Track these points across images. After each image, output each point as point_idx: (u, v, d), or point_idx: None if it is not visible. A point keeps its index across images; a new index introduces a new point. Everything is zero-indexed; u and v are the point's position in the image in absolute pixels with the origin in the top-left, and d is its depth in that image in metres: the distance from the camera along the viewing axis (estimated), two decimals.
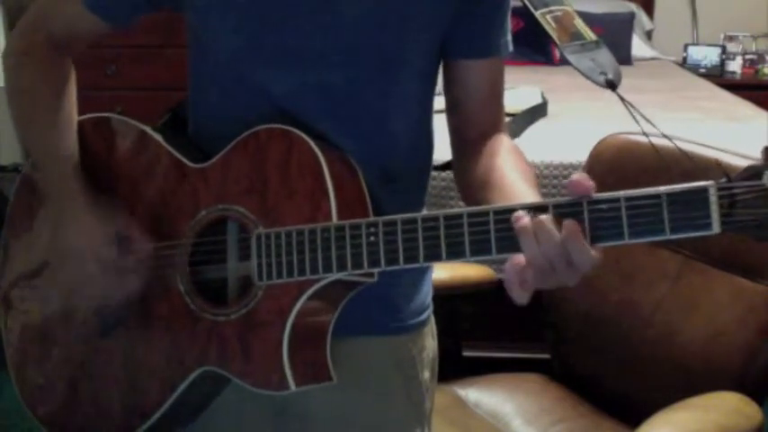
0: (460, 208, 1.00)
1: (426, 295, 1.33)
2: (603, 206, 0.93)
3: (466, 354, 2.17)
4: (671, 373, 1.79)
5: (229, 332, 1.12)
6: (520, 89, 3.19)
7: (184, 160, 1.19)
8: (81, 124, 1.25)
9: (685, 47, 5.00)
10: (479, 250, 0.98)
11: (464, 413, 1.92)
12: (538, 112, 3.11)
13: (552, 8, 1.24)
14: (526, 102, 3.08)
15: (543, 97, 3.21)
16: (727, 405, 1.58)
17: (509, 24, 1.26)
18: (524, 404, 1.94)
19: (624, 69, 1.21)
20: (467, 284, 2.03)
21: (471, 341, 2.31)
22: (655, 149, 1.17)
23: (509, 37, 1.26)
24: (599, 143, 1.99)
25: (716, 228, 0.89)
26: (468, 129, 1.26)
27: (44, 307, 1.27)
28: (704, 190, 0.89)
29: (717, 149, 1.64)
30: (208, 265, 1.17)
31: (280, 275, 1.09)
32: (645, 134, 1.13)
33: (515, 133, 2.75)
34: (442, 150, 1.35)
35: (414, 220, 1.02)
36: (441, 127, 1.30)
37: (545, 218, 0.94)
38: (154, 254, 1.19)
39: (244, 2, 1.15)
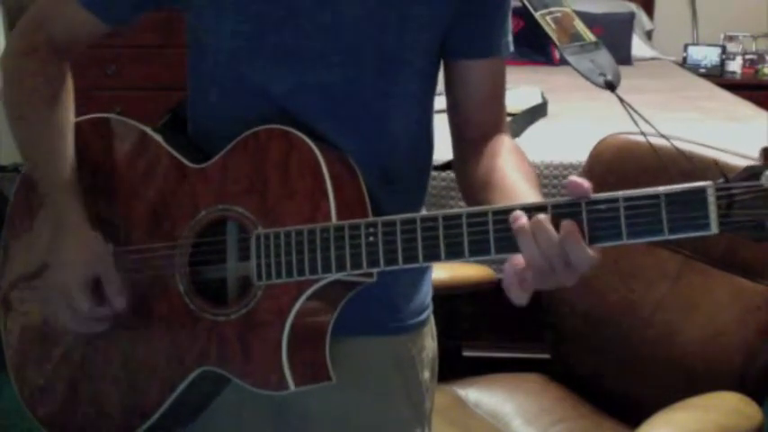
0: (460, 208, 1.00)
1: (426, 295, 1.33)
2: (602, 206, 0.93)
3: (466, 354, 2.17)
4: (671, 373, 1.79)
5: (229, 332, 1.12)
6: (520, 89, 3.19)
7: (184, 161, 1.19)
8: (80, 125, 1.25)
9: (685, 47, 5.00)
10: (478, 250, 0.98)
11: (464, 413, 1.92)
12: (538, 112, 3.12)
13: (552, 9, 1.24)
14: (526, 102, 3.08)
15: (543, 97, 3.21)
16: (727, 405, 1.58)
17: (510, 24, 1.26)
18: (524, 404, 1.94)
19: (624, 69, 1.21)
20: (467, 284, 2.03)
21: (471, 341, 2.31)
22: (654, 150, 1.17)
23: (510, 37, 1.26)
24: (599, 143, 1.99)
25: (714, 228, 0.89)
26: (470, 129, 1.26)
27: (43, 308, 1.27)
28: (702, 190, 0.89)
29: (716, 149, 1.64)
30: (207, 265, 1.17)
31: (279, 275, 1.09)
32: (643, 135, 1.13)
33: (515, 133, 2.75)
34: (443, 150, 1.35)
35: (413, 221, 1.02)
36: (441, 127, 1.30)
37: (543, 218, 0.94)
38: (153, 254, 1.19)
39: (244, 2, 1.15)
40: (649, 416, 1.47)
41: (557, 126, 3.05)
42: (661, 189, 0.91)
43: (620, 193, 0.92)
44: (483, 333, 2.62)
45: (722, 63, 4.92)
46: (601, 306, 1.92)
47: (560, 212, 0.95)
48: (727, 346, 1.72)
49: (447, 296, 1.81)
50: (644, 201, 0.91)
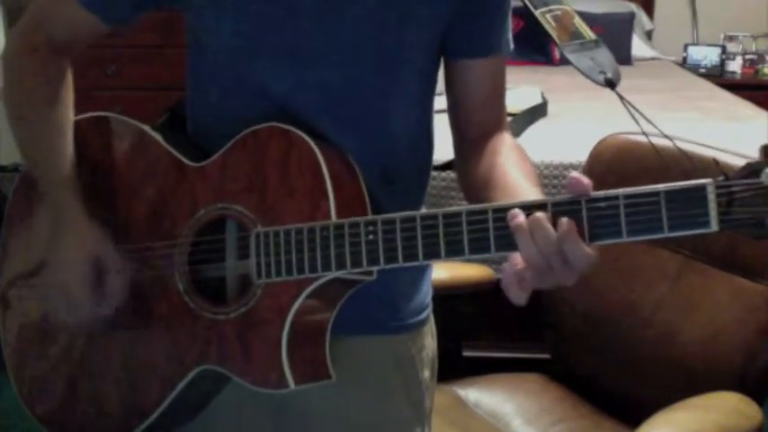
0: (459, 206, 1.00)
1: (426, 294, 1.33)
2: (602, 204, 0.93)
3: (466, 354, 2.17)
4: (671, 373, 1.79)
5: (229, 331, 1.12)
6: (520, 89, 3.19)
7: (183, 159, 1.19)
8: (79, 123, 1.25)
9: (685, 47, 5.00)
10: (478, 248, 0.98)
11: (464, 413, 1.92)
12: (538, 112, 3.12)
13: (552, 7, 1.24)
14: (526, 102, 3.08)
15: (543, 97, 3.21)
16: (727, 405, 1.58)
17: (510, 23, 1.26)
18: (524, 404, 1.94)
19: (624, 69, 1.21)
20: (467, 284, 2.03)
21: (471, 341, 2.31)
22: (654, 149, 1.17)
23: (510, 36, 1.26)
24: (599, 143, 1.99)
25: (714, 226, 0.89)
26: (470, 127, 1.26)
27: (42, 306, 1.27)
28: (702, 188, 0.89)
29: (716, 149, 1.64)
30: (207, 263, 1.17)
31: (279, 274, 1.09)
32: (644, 134, 1.13)
33: (516, 133, 2.75)
34: (443, 150, 1.35)
35: (413, 219, 1.02)
36: (441, 127, 1.30)
37: (541, 216, 0.94)
38: (153, 253, 1.19)
39: (244, 2, 1.15)
40: (649, 416, 1.47)
41: (557, 126, 3.05)
42: (661, 186, 0.91)
43: (621, 191, 0.92)
44: (483, 333, 2.62)
45: (722, 63, 4.92)
46: (601, 306, 1.92)
47: (560, 210, 0.95)
48: (727, 346, 1.72)
49: (447, 296, 1.81)
50: (644, 198, 0.91)
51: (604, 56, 1.21)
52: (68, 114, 1.24)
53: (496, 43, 1.24)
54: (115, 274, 1.19)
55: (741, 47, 4.97)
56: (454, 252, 1.00)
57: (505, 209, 0.97)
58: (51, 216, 1.22)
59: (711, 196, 0.88)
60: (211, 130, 1.21)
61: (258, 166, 1.12)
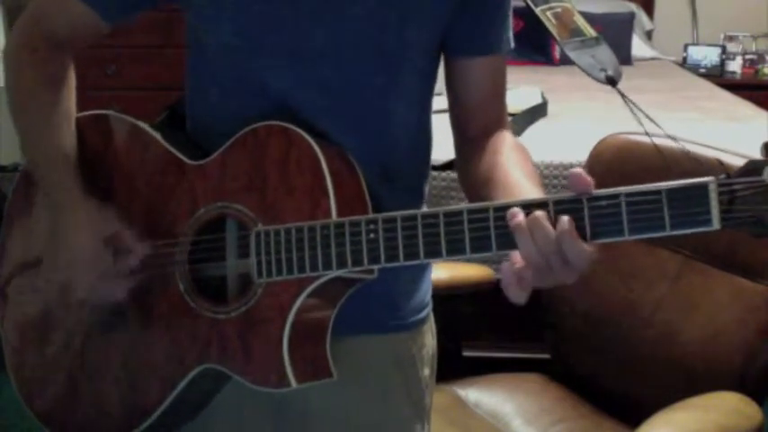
0: (460, 205, 1.00)
1: (426, 293, 1.33)
2: (603, 202, 0.93)
3: (466, 354, 2.17)
4: (671, 373, 1.79)
5: (229, 330, 1.12)
6: (520, 89, 3.19)
7: (183, 158, 1.19)
8: (79, 121, 1.25)
9: (685, 47, 5.00)
10: (479, 247, 0.98)
11: (464, 413, 1.92)
12: (538, 112, 3.12)
13: (552, 5, 1.24)
14: (526, 102, 3.08)
15: (543, 97, 3.21)
16: (727, 405, 1.58)
17: (510, 22, 1.26)
18: (524, 404, 1.94)
19: (624, 69, 1.21)
20: (467, 284, 2.03)
21: (471, 341, 2.31)
22: (655, 147, 1.17)
23: (510, 34, 1.26)
24: (599, 143, 1.99)
25: (716, 224, 0.89)
26: (471, 126, 1.26)
27: (42, 303, 1.27)
28: (704, 186, 0.89)
29: (717, 149, 1.64)
30: (207, 262, 1.16)
31: (279, 273, 1.09)
32: (646, 133, 1.13)
33: (516, 133, 2.74)
34: (443, 150, 1.35)
35: (413, 217, 1.01)
36: (442, 127, 1.29)
37: (540, 215, 0.94)
38: (153, 252, 1.18)
39: (244, 1, 1.15)
40: (649, 416, 1.47)
41: (557, 126, 3.05)
42: (663, 185, 0.91)
43: (622, 189, 0.92)
44: (483, 333, 2.62)
45: (722, 63, 4.92)
46: (601, 306, 1.92)
47: (561, 209, 0.94)
48: (727, 346, 1.72)
49: (447, 296, 1.81)
50: (646, 196, 0.91)
51: (605, 53, 1.21)
52: (70, 112, 1.24)
53: (497, 42, 1.24)
54: (128, 231, 1.18)
55: (741, 47, 4.98)
56: (455, 251, 0.99)
57: (506, 207, 0.97)
58: (52, 212, 1.22)
59: (713, 194, 0.88)
60: (211, 130, 1.21)
61: (258, 165, 1.12)
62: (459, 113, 1.28)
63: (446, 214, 1.00)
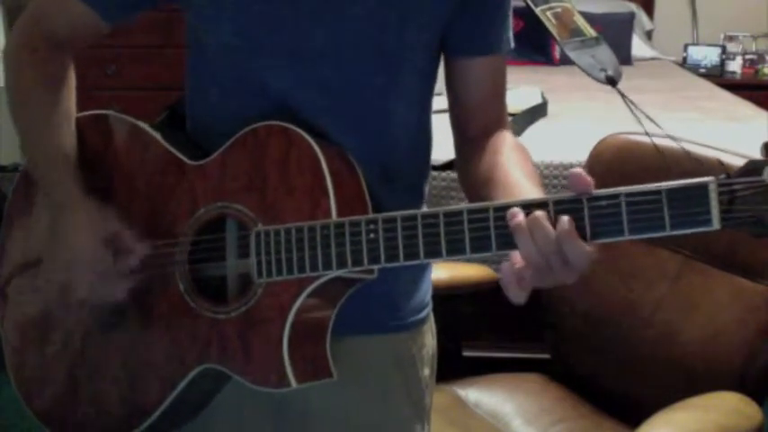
0: (460, 205, 1.00)
1: (426, 293, 1.33)
2: (603, 202, 0.93)
3: (466, 354, 2.17)
4: (671, 373, 1.79)
5: (230, 330, 1.12)
6: (520, 89, 3.19)
7: (183, 158, 1.19)
8: (79, 121, 1.25)
9: (685, 47, 5.00)
10: (480, 247, 0.98)
11: (464, 413, 1.92)
12: (538, 112, 3.12)
13: (552, 5, 1.24)
14: (526, 102, 3.08)
15: (543, 97, 3.21)
16: (727, 405, 1.58)
17: (510, 22, 1.26)
18: (524, 404, 1.94)
19: (624, 69, 1.21)
20: (467, 284, 2.03)
21: (471, 341, 2.31)
22: (655, 146, 1.17)
23: (510, 34, 1.26)
24: (599, 143, 1.99)
25: (716, 224, 0.89)
26: (471, 126, 1.26)
27: (42, 303, 1.27)
28: (704, 186, 0.89)
29: (717, 149, 1.64)
30: (207, 262, 1.16)
31: (279, 273, 1.09)
32: (646, 133, 1.13)
33: (516, 133, 2.74)
34: (443, 150, 1.35)
35: (413, 217, 1.01)
36: (442, 127, 1.29)
37: (540, 215, 0.94)
38: (153, 252, 1.18)
39: (244, 1, 1.15)
40: (649, 416, 1.47)
41: (557, 126, 3.05)
42: (663, 185, 0.91)
43: (622, 189, 0.92)
44: (483, 333, 2.62)
45: (722, 63, 4.92)
46: (601, 306, 1.92)
47: (562, 209, 0.94)
48: (727, 346, 1.72)
49: (447, 296, 1.81)
50: (646, 196, 0.91)
51: (605, 53, 1.21)
52: (70, 111, 1.24)
53: (497, 42, 1.24)
54: (128, 231, 1.18)
55: (741, 47, 4.98)
56: (455, 251, 0.99)
57: (506, 207, 0.97)
58: (52, 211, 1.22)
59: (713, 194, 0.88)
60: (211, 130, 1.21)
61: (258, 165, 1.12)
62: (459, 113, 1.28)
63: (446, 214, 1.00)
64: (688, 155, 1.09)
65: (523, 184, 1.10)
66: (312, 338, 1.11)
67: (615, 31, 4.40)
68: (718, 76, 4.80)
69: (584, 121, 3.06)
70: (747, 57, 4.95)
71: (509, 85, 1.32)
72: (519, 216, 0.95)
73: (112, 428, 1.23)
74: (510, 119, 1.46)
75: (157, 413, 1.17)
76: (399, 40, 1.18)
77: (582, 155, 2.08)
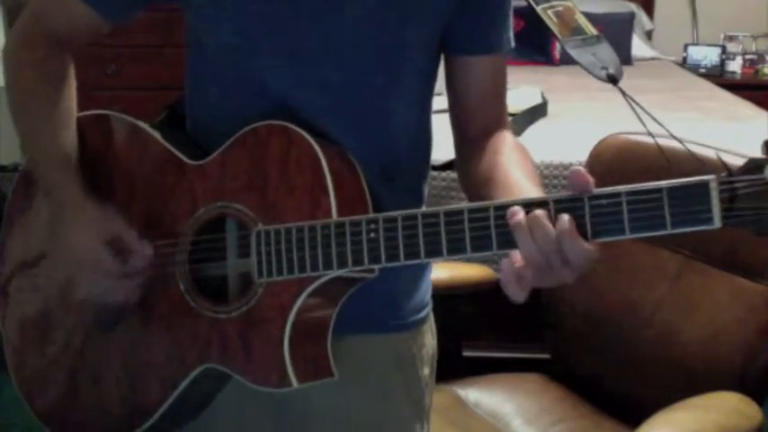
0: (461, 204, 1.00)
1: (426, 293, 1.33)
2: (604, 201, 0.93)
3: (466, 354, 2.17)
4: (671, 373, 1.79)
5: (230, 329, 1.12)
6: (520, 89, 3.19)
7: (182, 157, 1.19)
8: (79, 121, 1.25)
9: (685, 47, 5.00)
10: (480, 246, 0.98)
11: (464, 413, 1.92)
12: (538, 112, 3.12)
13: (553, 3, 1.24)
14: (526, 102, 3.08)
15: (543, 97, 3.21)
16: (727, 405, 1.58)
17: (511, 21, 1.26)
18: (524, 404, 1.94)
19: (624, 69, 1.21)
20: (467, 284, 2.03)
21: (471, 341, 2.31)
22: (656, 145, 1.17)
23: (510, 34, 1.26)
24: (599, 143, 1.99)
25: (717, 222, 0.88)
26: (471, 125, 1.26)
27: (43, 302, 1.27)
28: (705, 184, 0.89)
29: (717, 149, 1.64)
30: (207, 262, 1.16)
31: (280, 272, 1.09)
32: (648, 133, 1.13)
33: (516, 133, 2.73)
34: (443, 150, 1.35)
35: (414, 217, 1.01)
36: (442, 127, 1.29)
37: (540, 213, 0.94)
38: (153, 252, 1.18)
39: (244, 1, 1.15)
40: (649, 416, 1.47)
41: (557, 126, 3.05)
42: (664, 183, 0.90)
43: (623, 188, 0.92)
44: (483, 333, 2.62)
45: (722, 63, 4.92)
46: (601, 306, 1.92)
47: (562, 207, 0.94)
48: (727, 346, 1.72)
49: (447, 296, 1.80)
50: (647, 195, 0.91)
51: (606, 51, 1.21)
52: (70, 111, 1.24)
53: (497, 41, 1.24)
54: (131, 230, 1.18)
55: (741, 47, 4.98)
56: (456, 250, 0.99)
57: (507, 206, 0.97)
58: (52, 210, 1.22)
59: (714, 192, 0.88)
60: (211, 130, 1.21)
61: (258, 164, 1.12)
62: (459, 113, 1.28)
63: (447, 213, 1.00)
64: (689, 154, 1.09)
65: (523, 183, 1.10)
66: (313, 338, 1.11)
67: (615, 31, 4.40)
68: (718, 76, 4.80)
69: (584, 121, 3.06)
70: (747, 57, 4.95)
71: (509, 85, 1.32)
72: (519, 215, 0.95)
73: (113, 428, 1.23)
74: (510, 119, 1.46)
75: (159, 413, 1.17)
76: (399, 39, 1.18)
77: (582, 155, 2.08)
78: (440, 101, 1.28)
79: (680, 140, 1.12)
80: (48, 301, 1.26)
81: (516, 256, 0.96)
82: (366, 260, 1.04)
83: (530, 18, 1.25)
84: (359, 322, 1.21)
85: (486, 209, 0.98)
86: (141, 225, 1.20)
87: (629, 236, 0.92)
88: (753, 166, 0.87)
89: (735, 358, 1.70)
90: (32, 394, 1.29)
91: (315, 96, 1.17)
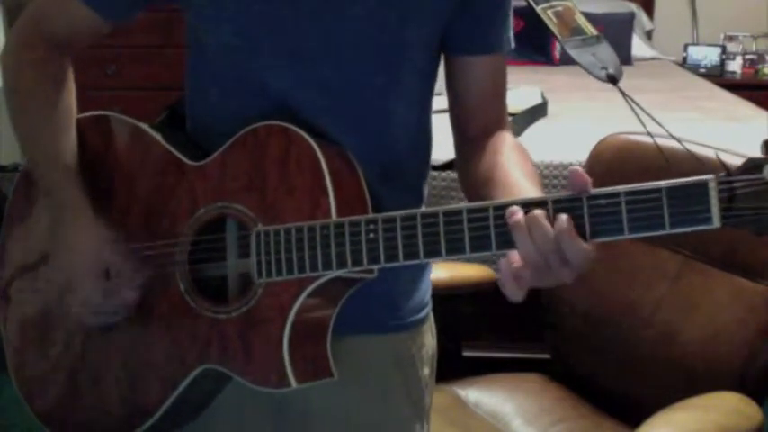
0: (460, 204, 1.00)
1: (425, 293, 1.33)
2: (603, 201, 0.93)
3: (466, 354, 2.17)
4: (671, 373, 1.79)
5: (230, 330, 1.12)
6: (520, 89, 3.19)
7: (182, 158, 1.19)
8: (79, 122, 1.25)
9: (685, 47, 5.00)
10: (479, 246, 0.98)
11: (464, 413, 1.92)
12: (538, 112, 3.12)
13: (553, 3, 1.24)
14: (526, 102, 3.08)
15: (543, 97, 3.21)
16: (727, 405, 1.58)
17: (511, 21, 1.26)
18: (524, 404, 1.94)
19: (624, 69, 1.21)
20: (467, 284, 2.03)
21: (471, 341, 2.31)
22: (656, 145, 1.17)
23: (510, 34, 1.26)
24: (599, 143, 1.99)
25: (716, 222, 0.88)
26: (471, 125, 1.26)
27: (43, 303, 1.27)
28: (704, 184, 0.89)
29: (717, 149, 1.64)
30: (207, 263, 1.16)
31: (279, 273, 1.09)
32: (647, 132, 1.13)
33: (516, 133, 2.74)
34: (443, 150, 1.35)
35: (413, 217, 1.01)
36: (441, 127, 1.29)
37: (539, 213, 0.94)
38: (153, 252, 1.18)
39: (244, 1, 1.15)
40: (649, 416, 1.47)
41: (557, 126, 3.05)
42: (662, 183, 0.90)
43: (622, 188, 0.92)
44: (483, 333, 2.62)
45: (722, 63, 4.92)
46: (601, 306, 1.92)
47: (561, 207, 0.94)
48: (727, 346, 1.72)
49: (447, 296, 1.81)
50: (645, 195, 0.91)
51: (606, 51, 1.21)
52: (70, 112, 1.24)
53: (497, 41, 1.24)
54: (125, 269, 1.18)
55: (741, 47, 4.98)
56: (455, 250, 0.99)
57: (506, 206, 0.97)
58: (53, 212, 1.22)
59: (713, 192, 0.88)
60: (211, 130, 1.21)
61: (258, 165, 1.12)
62: (459, 113, 1.28)
63: (446, 213, 1.00)
64: (689, 154, 1.09)
65: (523, 183, 1.10)
66: (313, 338, 1.11)
67: (615, 31, 4.40)
68: (718, 76, 4.80)
69: (584, 121, 3.06)
70: (747, 57, 4.95)
71: (509, 85, 1.32)
72: (518, 214, 0.95)
73: (114, 429, 1.23)
74: (510, 119, 1.46)
75: (159, 413, 1.17)
76: (399, 39, 1.18)
77: (582, 155, 2.08)
78: (440, 101, 1.28)
79: (679, 140, 1.12)
80: (48, 302, 1.26)
81: (514, 255, 0.96)
82: (365, 260, 1.04)
83: (530, 18, 1.25)
84: (358, 322, 1.21)
85: (485, 209, 0.98)
86: (141, 225, 1.20)
87: (627, 236, 0.92)
88: (752, 165, 0.87)
89: (735, 358, 1.70)
90: (32, 395, 1.29)
91: (315, 96, 1.17)
